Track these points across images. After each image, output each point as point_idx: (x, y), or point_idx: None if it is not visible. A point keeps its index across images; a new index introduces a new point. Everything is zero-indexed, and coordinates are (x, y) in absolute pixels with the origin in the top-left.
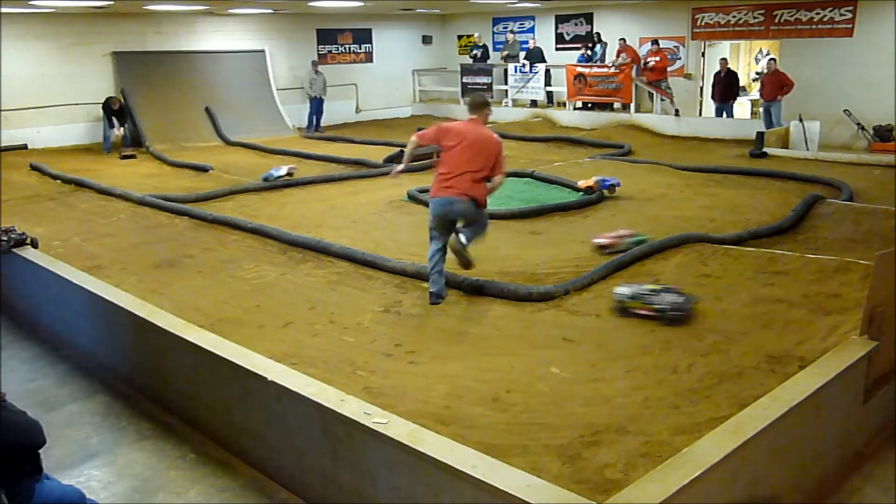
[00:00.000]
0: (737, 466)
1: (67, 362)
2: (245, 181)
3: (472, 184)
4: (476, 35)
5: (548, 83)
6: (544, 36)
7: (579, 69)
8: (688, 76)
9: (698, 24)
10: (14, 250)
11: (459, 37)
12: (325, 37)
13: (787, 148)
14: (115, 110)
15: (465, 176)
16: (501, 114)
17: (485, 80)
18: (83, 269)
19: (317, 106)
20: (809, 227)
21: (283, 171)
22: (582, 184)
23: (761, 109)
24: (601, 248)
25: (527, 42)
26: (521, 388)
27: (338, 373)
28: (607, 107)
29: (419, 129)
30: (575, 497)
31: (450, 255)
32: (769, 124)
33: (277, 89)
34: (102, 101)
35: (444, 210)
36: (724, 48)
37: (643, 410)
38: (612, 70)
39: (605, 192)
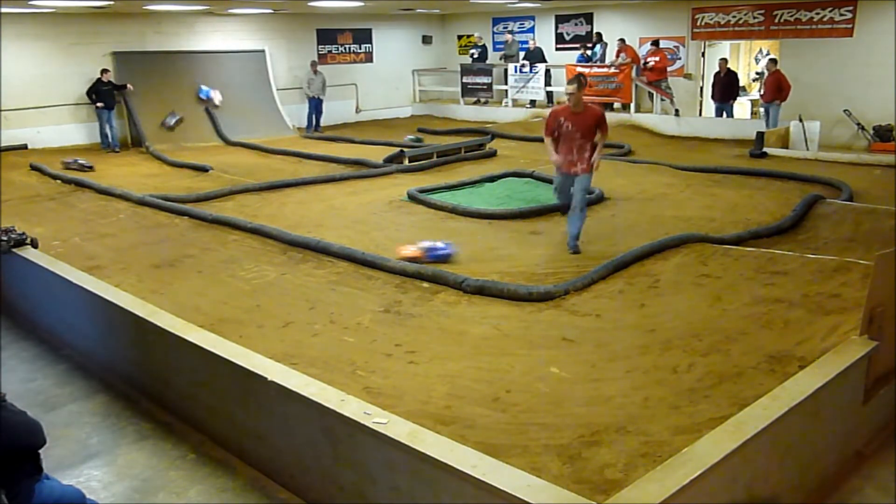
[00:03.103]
0: (737, 466)
1: (67, 362)
2: (245, 181)
3: None
4: (476, 35)
5: (548, 83)
6: (544, 36)
7: (579, 69)
8: (688, 76)
9: (698, 24)
10: (14, 250)
11: (459, 37)
12: (325, 37)
13: (787, 148)
14: (104, 84)
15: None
16: (501, 114)
17: (485, 80)
18: (83, 269)
19: (316, 106)
20: (809, 227)
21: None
22: (405, 253)
23: (761, 110)
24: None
25: (527, 42)
26: (521, 388)
27: (338, 373)
28: (607, 107)
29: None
30: (575, 497)
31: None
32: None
33: (277, 89)
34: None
35: None
36: (724, 48)
37: (643, 410)
38: (612, 70)
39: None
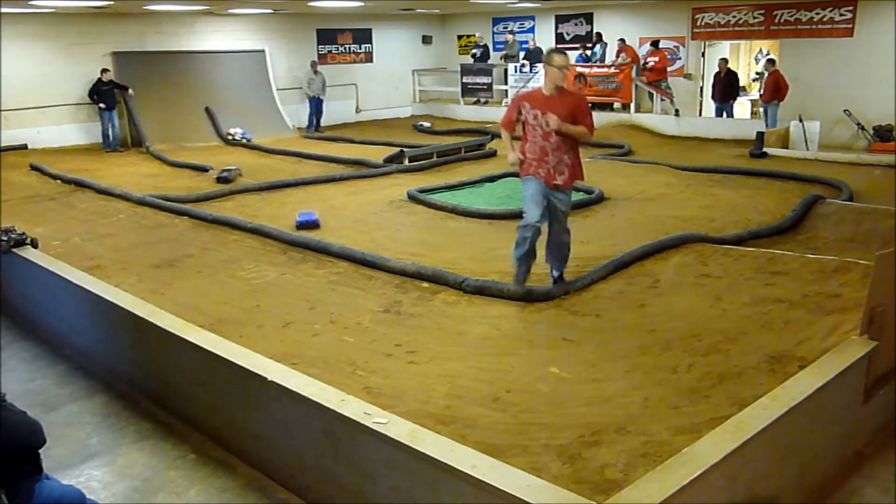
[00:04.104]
0: (737, 466)
1: (67, 362)
2: (245, 181)
3: None
4: (478, 35)
5: None
6: (544, 36)
7: (579, 69)
8: (688, 76)
9: (698, 24)
10: (14, 250)
11: (459, 37)
12: (325, 37)
13: (787, 148)
14: (104, 84)
15: None
16: (501, 114)
17: (485, 80)
18: (83, 269)
19: (316, 105)
20: (809, 227)
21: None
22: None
23: (761, 110)
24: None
25: (527, 42)
26: (521, 388)
27: (338, 373)
28: (607, 107)
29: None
30: (575, 497)
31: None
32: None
33: (277, 89)
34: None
35: None
36: (724, 48)
37: (643, 410)
38: (612, 70)
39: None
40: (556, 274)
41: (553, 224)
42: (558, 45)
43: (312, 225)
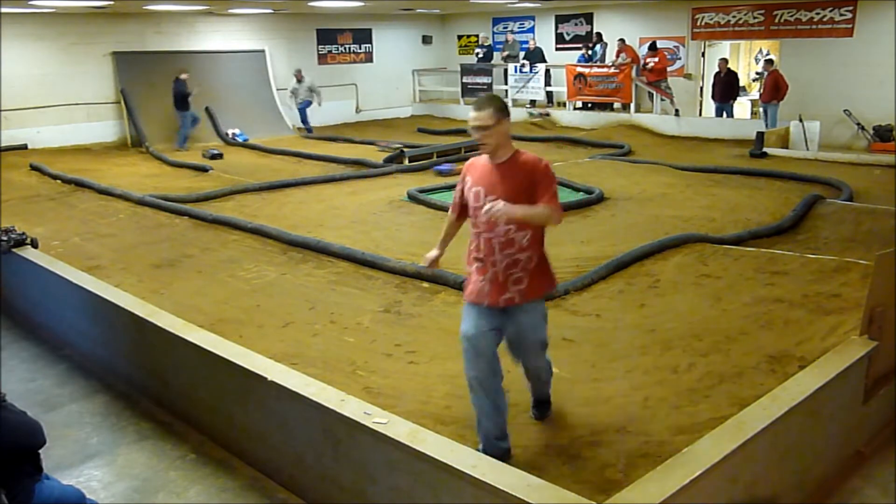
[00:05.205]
0: (737, 466)
1: (67, 362)
2: (245, 181)
3: None
4: (482, 35)
5: (548, 83)
6: (544, 36)
7: (579, 69)
8: (688, 76)
9: (698, 24)
10: (14, 250)
11: (459, 37)
12: (325, 37)
13: (787, 148)
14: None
15: None
16: None
17: (485, 80)
18: (83, 269)
19: (302, 109)
20: (809, 227)
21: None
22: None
23: (761, 110)
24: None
25: (527, 42)
26: (520, 388)
27: (338, 373)
28: (607, 107)
29: None
30: (575, 497)
31: None
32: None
33: (277, 89)
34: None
35: None
36: (724, 48)
37: (643, 410)
38: (612, 70)
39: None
40: (534, 400)
41: (521, 357)
42: (558, 46)
43: (447, 173)
